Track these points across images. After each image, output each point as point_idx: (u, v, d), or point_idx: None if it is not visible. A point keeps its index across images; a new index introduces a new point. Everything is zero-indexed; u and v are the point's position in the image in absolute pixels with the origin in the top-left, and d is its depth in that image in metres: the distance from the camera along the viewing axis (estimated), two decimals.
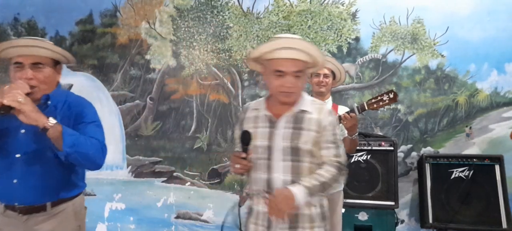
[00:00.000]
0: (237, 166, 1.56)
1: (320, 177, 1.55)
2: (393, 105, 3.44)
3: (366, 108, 2.23)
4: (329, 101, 2.50)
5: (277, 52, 1.55)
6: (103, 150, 1.69)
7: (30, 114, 1.49)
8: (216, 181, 3.82)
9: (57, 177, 1.72)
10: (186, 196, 3.88)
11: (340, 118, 2.24)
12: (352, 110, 2.24)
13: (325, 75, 2.43)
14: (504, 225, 2.78)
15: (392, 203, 2.91)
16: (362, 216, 3.00)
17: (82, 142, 1.59)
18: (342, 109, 2.48)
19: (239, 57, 3.77)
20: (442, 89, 3.39)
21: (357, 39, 3.53)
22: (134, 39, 4.04)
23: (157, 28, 3.98)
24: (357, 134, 2.33)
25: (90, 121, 1.74)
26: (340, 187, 2.50)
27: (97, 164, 1.68)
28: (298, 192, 1.49)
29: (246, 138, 1.58)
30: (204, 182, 3.85)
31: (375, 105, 2.23)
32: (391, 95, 2.18)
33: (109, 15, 4.13)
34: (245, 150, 1.58)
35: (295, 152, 1.58)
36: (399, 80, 3.46)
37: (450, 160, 3.00)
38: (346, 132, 2.33)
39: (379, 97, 2.21)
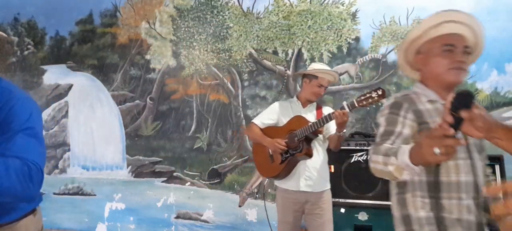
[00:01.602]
0: (437, 150, 0.95)
1: None
2: None
3: (356, 105, 2.26)
4: (314, 104, 2.67)
5: (445, 26, 1.40)
6: (31, 173, 1.17)
7: None
8: (216, 181, 3.82)
9: None
10: (186, 196, 3.88)
11: (329, 116, 2.32)
12: (342, 108, 2.28)
13: (325, 88, 2.59)
14: None
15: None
16: (362, 216, 2.99)
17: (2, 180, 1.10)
18: (326, 110, 2.63)
19: (239, 57, 3.77)
20: None
21: (357, 39, 3.53)
22: (134, 39, 4.05)
23: (157, 28, 3.98)
24: (345, 130, 2.41)
25: (21, 128, 1.22)
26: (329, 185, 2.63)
27: (20, 196, 1.19)
28: None
29: (466, 102, 0.96)
30: (204, 182, 3.85)
31: (364, 102, 2.24)
32: (379, 92, 2.21)
33: (109, 15, 4.14)
34: (457, 124, 0.95)
35: (481, 149, 1.43)
36: (399, 80, 3.46)
37: None
38: (334, 128, 2.42)
39: (367, 95, 2.24)
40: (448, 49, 1.37)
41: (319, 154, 2.55)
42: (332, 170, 2.99)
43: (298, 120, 2.50)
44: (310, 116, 2.57)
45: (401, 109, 1.42)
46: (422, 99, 1.45)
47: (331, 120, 2.32)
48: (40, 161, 1.24)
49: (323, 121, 2.35)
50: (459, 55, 1.36)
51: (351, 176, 2.95)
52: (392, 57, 3.47)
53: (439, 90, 1.44)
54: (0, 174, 1.11)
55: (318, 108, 2.65)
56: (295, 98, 2.67)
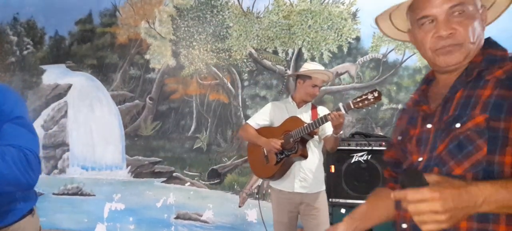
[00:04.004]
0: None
1: None
2: (394, 105, 3.43)
3: (352, 107, 2.25)
4: (309, 105, 2.65)
5: None
6: (29, 160, 1.13)
7: None
8: (215, 181, 3.80)
9: None
10: (186, 196, 3.87)
11: (325, 117, 2.30)
12: (338, 109, 2.27)
13: (320, 87, 2.59)
14: None
15: None
16: None
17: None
18: (322, 110, 2.61)
19: (239, 57, 3.76)
20: None
21: (357, 39, 3.52)
22: (133, 39, 4.03)
23: (157, 28, 3.97)
24: (341, 132, 2.40)
25: (8, 118, 1.17)
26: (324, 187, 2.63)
27: (22, 184, 1.14)
28: None
29: (417, 182, 0.96)
30: (203, 182, 3.84)
31: (360, 104, 2.24)
32: (376, 95, 2.20)
33: (108, 14, 4.12)
34: None
35: None
36: (399, 80, 3.44)
37: None
38: (330, 130, 2.42)
39: (363, 97, 2.23)
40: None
41: (314, 155, 2.54)
42: (333, 170, 2.98)
43: (294, 121, 2.49)
44: (305, 116, 2.57)
45: None
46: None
47: (327, 121, 2.31)
48: (34, 147, 1.19)
49: (319, 122, 2.34)
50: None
51: (351, 176, 2.94)
52: (392, 57, 3.45)
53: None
54: None
55: (313, 108, 2.64)
56: (290, 98, 2.67)
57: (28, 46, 4.34)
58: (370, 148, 2.98)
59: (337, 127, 2.31)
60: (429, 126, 1.10)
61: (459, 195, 0.86)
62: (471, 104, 1.03)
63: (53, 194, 4.16)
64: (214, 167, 3.81)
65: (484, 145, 0.99)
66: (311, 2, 3.60)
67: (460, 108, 1.05)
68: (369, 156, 2.97)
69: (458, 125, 1.03)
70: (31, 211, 1.41)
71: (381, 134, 3.41)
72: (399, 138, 1.21)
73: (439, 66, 1.11)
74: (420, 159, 1.09)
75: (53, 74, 4.26)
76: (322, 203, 2.56)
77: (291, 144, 2.46)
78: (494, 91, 1.02)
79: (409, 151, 1.14)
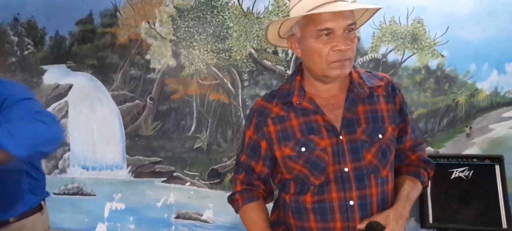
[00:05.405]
0: None
1: None
2: None
3: None
4: None
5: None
6: (55, 123, 1.25)
7: None
8: (216, 181, 3.82)
9: None
10: (186, 196, 3.88)
11: None
12: None
13: None
14: (504, 225, 2.78)
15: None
16: None
17: (36, 130, 1.12)
18: None
19: (239, 57, 3.77)
20: (442, 89, 3.39)
21: (357, 39, 3.52)
22: (134, 39, 4.04)
23: (157, 28, 3.98)
24: None
25: (18, 100, 1.26)
26: None
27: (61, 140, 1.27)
28: None
29: None
30: (204, 182, 3.85)
31: None
32: None
33: (109, 15, 4.13)
34: None
35: None
36: (399, 80, 3.45)
37: (450, 160, 2.99)
38: None
39: None
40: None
41: None
42: None
43: None
44: None
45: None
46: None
47: None
48: (50, 117, 1.29)
49: None
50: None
51: None
52: (392, 57, 3.47)
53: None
54: (38, 129, 1.15)
55: None
56: None
57: (29, 46, 4.35)
58: None
59: None
60: (341, 137, 1.22)
61: (403, 222, 1.22)
62: (379, 118, 1.23)
63: (54, 193, 4.16)
64: (214, 166, 3.82)
65: (393, 148, 1.27)
66: None
67: (372, 121, 1.23)
68: None
69: (380, 136, 1.22)
70: (40, 208, 1.42)
71: None
72: (302, 149, 1.26)
73: (329, 77, 1.25)
74: (346, 169, 1.20)
75: (54, 75, 4.27)
76: None
77: None
78: (387, 106, 1.25)
79: (326, 162, 1.22)
